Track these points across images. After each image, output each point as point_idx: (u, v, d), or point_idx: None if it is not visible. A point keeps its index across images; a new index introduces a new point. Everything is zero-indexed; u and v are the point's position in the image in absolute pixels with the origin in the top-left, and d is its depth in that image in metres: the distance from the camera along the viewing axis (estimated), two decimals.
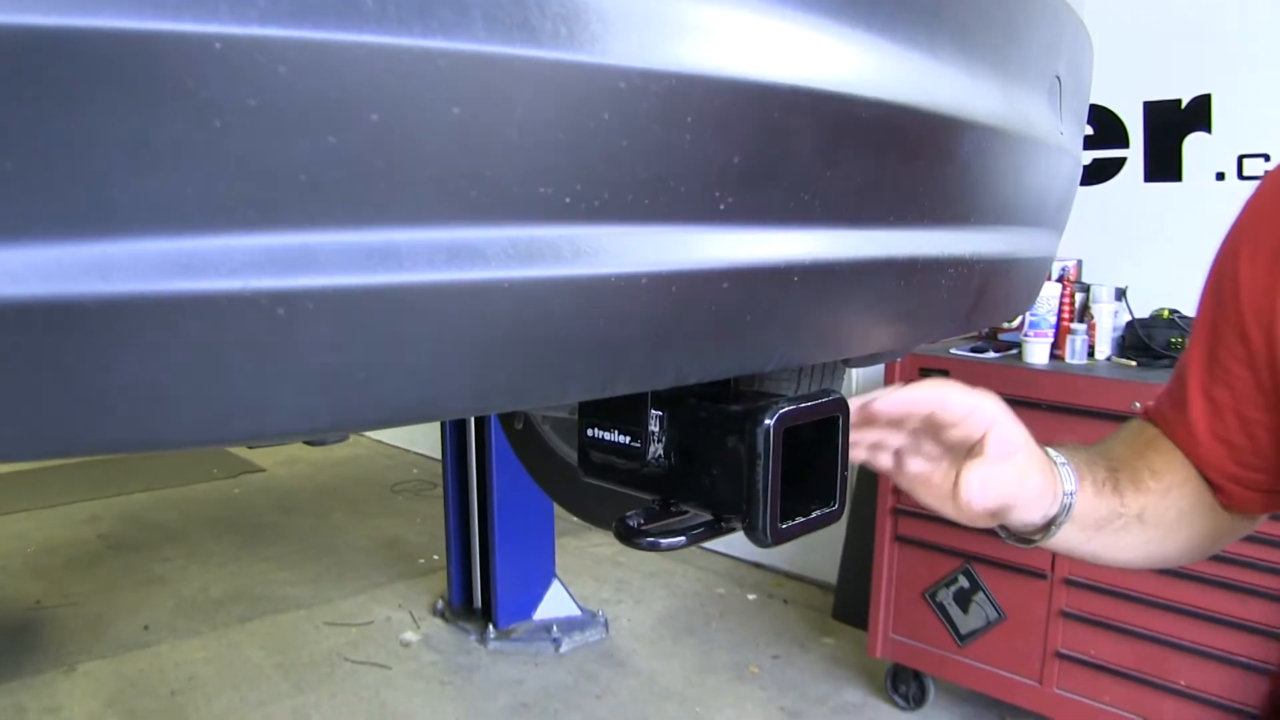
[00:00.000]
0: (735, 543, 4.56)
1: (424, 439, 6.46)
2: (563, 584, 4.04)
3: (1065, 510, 0.85)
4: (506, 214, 0.50)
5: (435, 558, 4.63)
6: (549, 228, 0.51)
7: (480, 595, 4.02)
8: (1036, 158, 0.98)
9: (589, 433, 0.79)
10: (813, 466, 0.76)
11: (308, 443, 0.61)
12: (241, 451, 6.64)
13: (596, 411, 0.79)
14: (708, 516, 0.75)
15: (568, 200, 0.51)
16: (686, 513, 0.77)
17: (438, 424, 4.15)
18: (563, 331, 0.53)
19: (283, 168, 0.44)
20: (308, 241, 0.45)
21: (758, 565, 4.54)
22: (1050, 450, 0.87)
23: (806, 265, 0.65)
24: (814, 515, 0.75)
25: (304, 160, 0.44)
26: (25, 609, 4.11)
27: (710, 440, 0.72)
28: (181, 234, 0.43)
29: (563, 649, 3.82)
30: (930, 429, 0.81)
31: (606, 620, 3.98)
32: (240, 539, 5.02)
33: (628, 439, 0.76)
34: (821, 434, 0.76)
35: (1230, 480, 0.96)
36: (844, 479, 0.76)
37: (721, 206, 0.58)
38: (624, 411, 0.76)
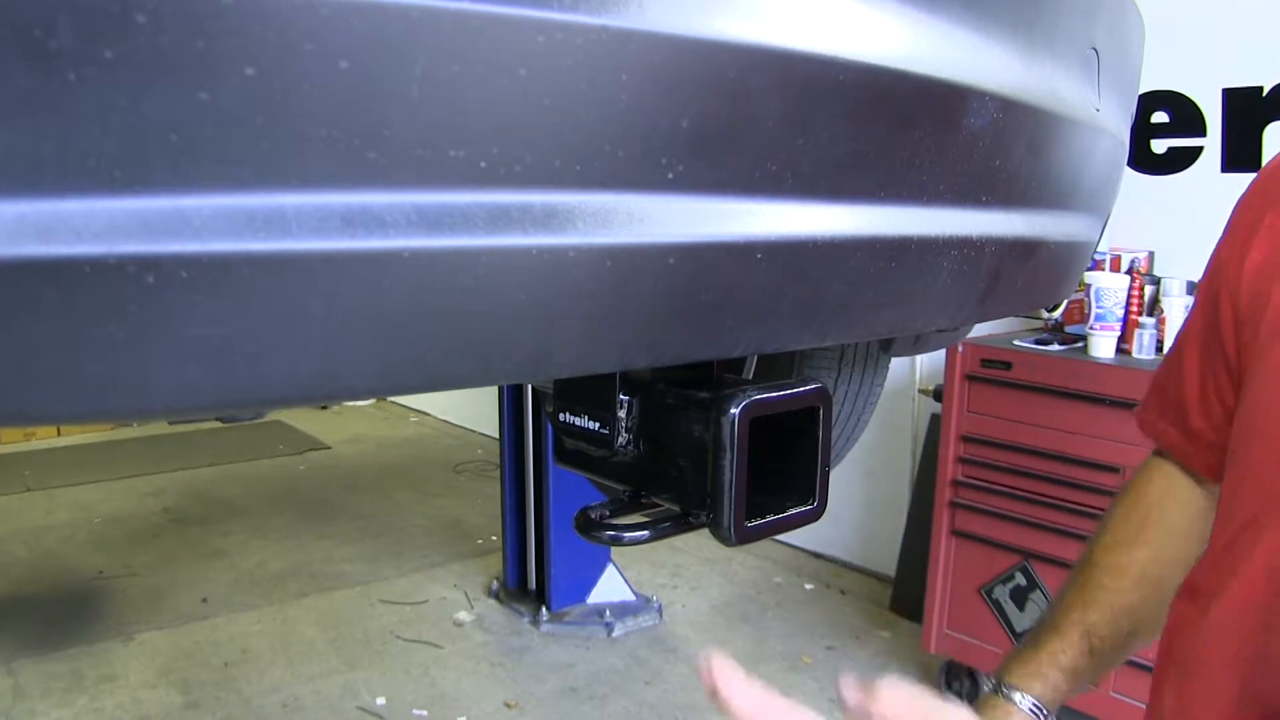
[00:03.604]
0: (796, 531, 4.49)
1: (489, 420, 6.48)
2: (618, 568, 4.01)
3: None
4: (410, 178, 0.46)
5: (493, 538, 4.63)
6: (460, 194, 0.47)
7: (535, 577, 4.02)
8: (1064, 134, 0.91)
9: (561, 417, 0.75)
10: (793, 461, 0.72)
11: (220, 419, 0.58)
12: (308, 428, 6.72)
13: (569, 395, 0.75)
14: (676, 510, 0.71)
15: (483, 165, 0.47)
16: (660, 505, 0.73)
17: (497, 405, 4.15)
18: (476, 307, 0.49)
19: (148, 126, 0.40)
20: (180, 205, 0.42)
21: (817, 555, 4.48)
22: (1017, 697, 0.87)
23: (772, 241, 0.60)
24: (789, 514, 0.70)
25: (172, 118, 0.40)
26: (88, 579, 4.20)
27: (677, 429, 0.68)
28: (38, 196, 0.40)
29: (615, 633, 3.80)
30: None
31: (661, 606, 3.95)
32: (301, 515, 5.08)
33: (597, 425, 0.72)
34: (804, 426, 0.71)
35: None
36: (825, 475, 0.71)
37: (670, 175, 0.54)
38: (594, 396, 0.72)
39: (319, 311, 0.46)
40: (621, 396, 0.70)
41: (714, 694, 0.66)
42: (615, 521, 0.70)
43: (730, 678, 0.66)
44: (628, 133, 0.51)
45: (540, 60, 0.47)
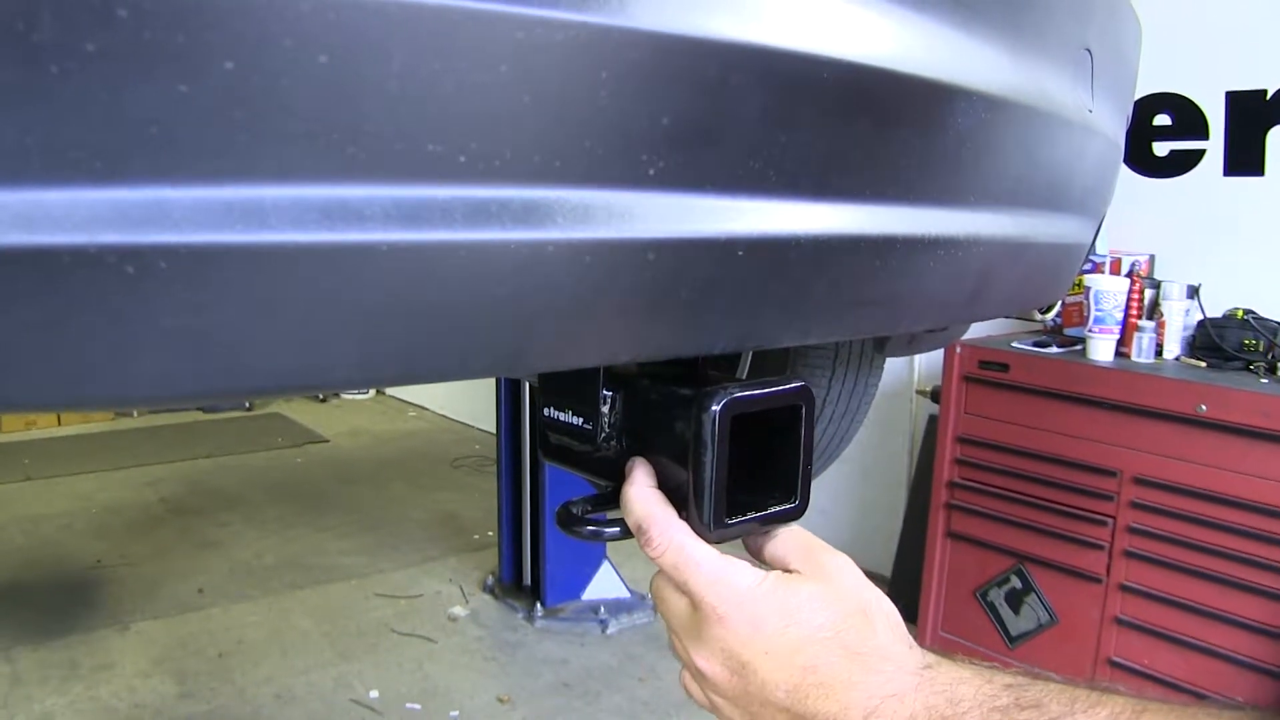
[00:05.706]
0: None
1: (487, 415, 6.49)
2: (613, 565, 4.02)
3: None
4: (389, 172, 0.46)
5: (489, 533, 4.64)
6: (440, 188, 0.47)
7: (530, 573, 4.02)
8: (1055, 136, 0.91)
9: (546, 412, 0.76)
10: (776, 459, 0.72)
11: (201, 409, 0.59)
12: (306, 421, 6.73)
13: (554, 390, 0.75)
14: None
15: (461, 159, 0.47)
16: None
17: (494, 400, 4.15)
18: (455, 300, 0.50)
19: (129, 118, 0.41)
20: (161, 196, 0.42)
21: None
22: None
23: (755, 239, 0.60)
24: (770, 511, 0.70)
25: (153, 110, 0.41)
26: (86, 568, 4.21)
27: (659, 425, 0.68)
28: (20, 186, 0.40)
29: (609, 630, 3.80)
30: None
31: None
32: (299, 507, 5.08)
33: (580, 420, 0.72)
34: (788, 425, 0.71)
35: None
36: (806, 474, 0.72)
37: (650, 171, 0.54)
38: (578, 391, 0.72)
39: (297, 303, 0.46)
40: (605, 392, 0.71)
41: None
42: (597, 516, 0.70)
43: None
44: (608, 129, 0.52)
45: (520, 56, 0.47)
